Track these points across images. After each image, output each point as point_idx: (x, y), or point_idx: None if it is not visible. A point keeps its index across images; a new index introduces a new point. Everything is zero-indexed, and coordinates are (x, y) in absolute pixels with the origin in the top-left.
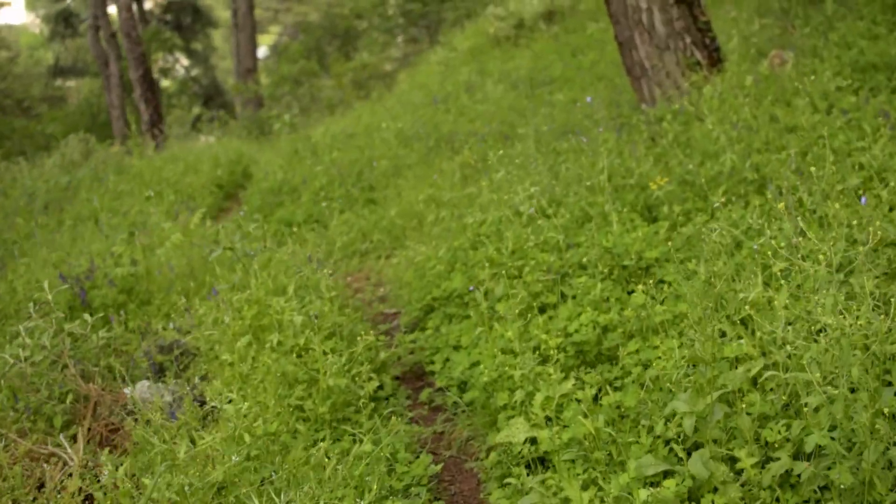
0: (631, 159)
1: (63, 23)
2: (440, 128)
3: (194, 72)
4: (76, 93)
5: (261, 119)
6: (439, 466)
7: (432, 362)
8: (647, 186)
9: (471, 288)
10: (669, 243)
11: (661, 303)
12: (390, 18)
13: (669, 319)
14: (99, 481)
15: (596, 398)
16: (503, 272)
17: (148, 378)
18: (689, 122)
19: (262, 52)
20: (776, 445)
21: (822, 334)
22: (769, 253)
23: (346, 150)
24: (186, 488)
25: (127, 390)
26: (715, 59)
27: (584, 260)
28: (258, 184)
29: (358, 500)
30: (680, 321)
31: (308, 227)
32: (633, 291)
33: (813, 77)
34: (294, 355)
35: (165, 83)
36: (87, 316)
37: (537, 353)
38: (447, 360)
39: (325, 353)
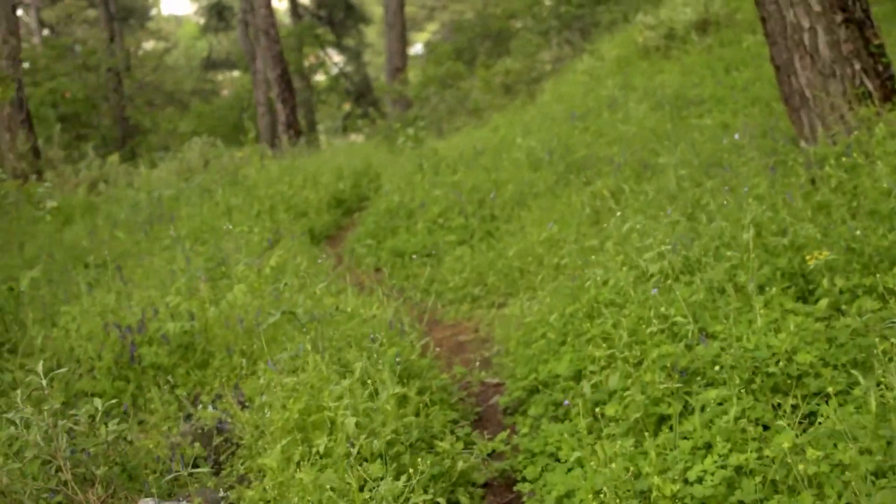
0: (785, 209)
1: (217, 16)
2: (574, 150)
3: (346, 68)
4: (230, 86)
5: (396, 123)
6: None
7: (526, 470)
8: (802, 247)
9: (565, 402)
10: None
11: (814, 443)
12: (544, 20)
13: (826, 471)
14: None
15: None
16: (618, 359)
17: (153, 495)
18: (857, 168)
19: (417, 48)
20: None
21: None
22: None
23: (472, 169)
24: None
25: None
26: (889, 89)
27: (718, 363)
28: (376, 203)
29: None
30: (842, 472)
31: (420, 261)
32: (779, 406)
33: None
34: (344, 466)
35: (316, 79)
36: (96, 400)
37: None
38: (543, 472)
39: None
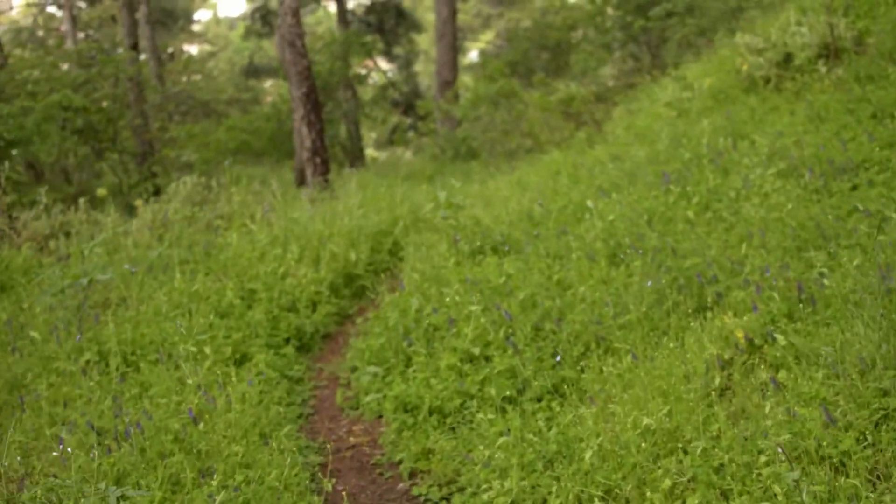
0: None
1: (260, 20)
2: (677, 243)
3: (395, 78)
4: (274, 94)
5: (455, 139)
6: None
7: None
8: None
9: None
10: None
11: None
12: (607, 31)
13: None
14: None
15: None
16: None
17: None
18: None
19: (473, 55)
20: None
21: None
22: None
23: (525, 255)
24: None
25: None
26: None
27: None
28: (387, 311)
29: None
30: None
31: (441, 429)
32: None
33: None
34: None
35: (362, 90)
36: None
37: None
38: None
39: None
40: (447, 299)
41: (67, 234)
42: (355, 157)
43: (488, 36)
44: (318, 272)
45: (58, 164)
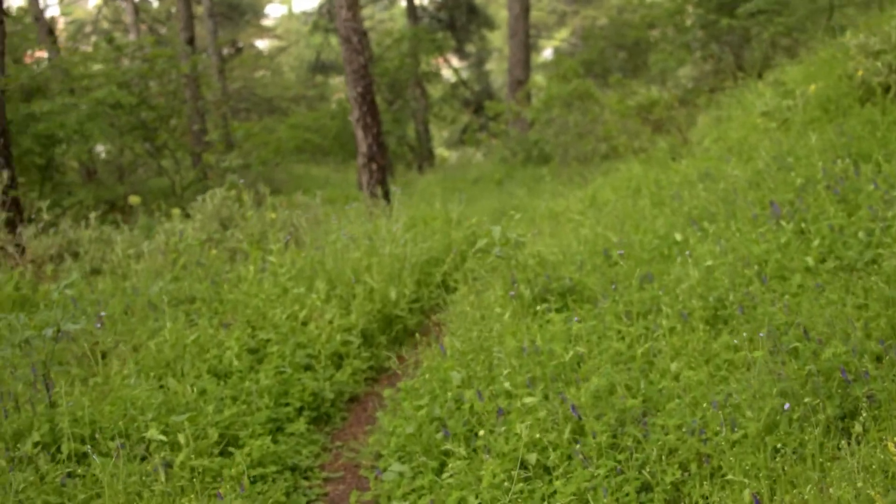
0: None
1: (327, 15)
2: (800, 309)
3: (466, 76)
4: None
5: (527, 142)
6: None
7: None
8: None
9: None
10: None
11: None
12: (687, 30)
13: None
14: None
15: None
16: None
17: None
18: None
19: (548, 53)
20: None
21: None
22: None
23: (601, 310)
24: None
25: None
26: None
27: None
28: (424, 379)
29: None
30: None
31: None
32: None
33: None
34: None
35: (432, 88)
36: None
37: None
38: None
39: None
40: (497, 377)
41: (76, 255)
42: (423, 157)
43: (563, 34)
44: (349, 315)
45: (113, 163)
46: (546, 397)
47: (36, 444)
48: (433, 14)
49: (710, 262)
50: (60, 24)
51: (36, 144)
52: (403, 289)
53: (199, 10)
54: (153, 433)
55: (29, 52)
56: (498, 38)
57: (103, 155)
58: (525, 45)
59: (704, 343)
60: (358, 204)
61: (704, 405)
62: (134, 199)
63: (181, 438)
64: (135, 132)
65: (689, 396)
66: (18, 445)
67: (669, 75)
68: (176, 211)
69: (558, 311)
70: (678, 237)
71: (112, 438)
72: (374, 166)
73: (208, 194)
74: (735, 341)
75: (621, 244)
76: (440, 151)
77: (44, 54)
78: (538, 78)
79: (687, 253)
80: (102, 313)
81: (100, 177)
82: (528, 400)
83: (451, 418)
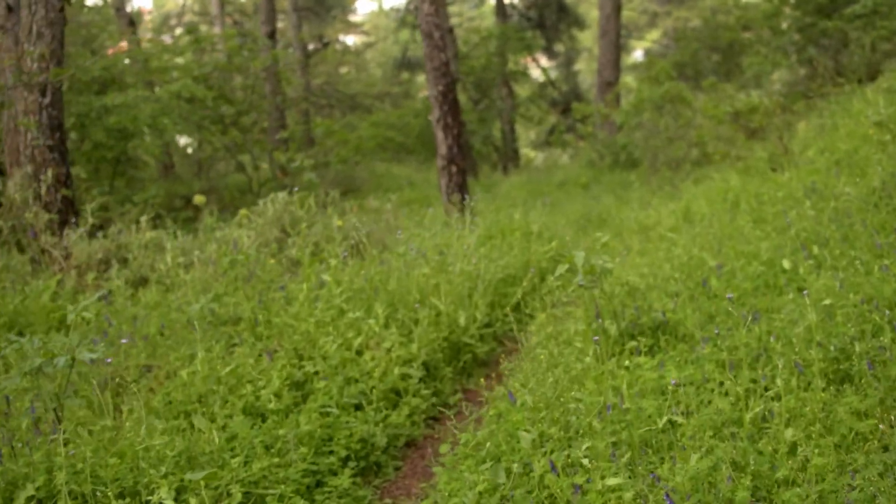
0: None
1: (415, 11)
2: None
3: (554, 76)
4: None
5: (615, 145)
6: None
7: None
8: None
9: None
10: None
11: None
12: (784, 33)
13: None
14: None
15: None
16: None
17: None
18: None
19: (638, 54)
20: None
21: None
22: None
23: (699, 354)
24: None
25: None
26: None
27: None
28: (489, 434)
29: None
30: None
31: None
32: None
33: None
34: None
35: (519, 88)
36: None
37: None
38: None
39: None
40: (574, 439)
41: (125, 261)
42: (508, 157)
43: (654, 35)
44: (410, 344)
45: (191, 158)
46: (633, 473)
47: (30, 499)
48: (522, 12)
49: (828, 301)
50: (147, 16)
51: (108, 138)
52: (474, 312)
53: (285, 3)
54: (163, 495)
55: (110, 43)
56: (588, 38)
57: (189, 150)
58: (615, 45)
59: (824, 404)
60: (434, 210)
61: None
62: (199, 199)
63: (193, 501)
64: (213, 127)
65: (815, 491)
66: (13, 498)
67: (764, 79)
68: (244, 212)
69: (648, 352)
70: (786, 265)
71: (119, 496)
72: (454, 169)
73: (270, 198)
74: (863, 407)
75: (720, 270)
76: (526, 152)
77: (125, 46)
78: (628, 79)
79: (802, 291)
80: (124, 340)
81: (177, 172)
82: (611, 482)
83: (518, 489)
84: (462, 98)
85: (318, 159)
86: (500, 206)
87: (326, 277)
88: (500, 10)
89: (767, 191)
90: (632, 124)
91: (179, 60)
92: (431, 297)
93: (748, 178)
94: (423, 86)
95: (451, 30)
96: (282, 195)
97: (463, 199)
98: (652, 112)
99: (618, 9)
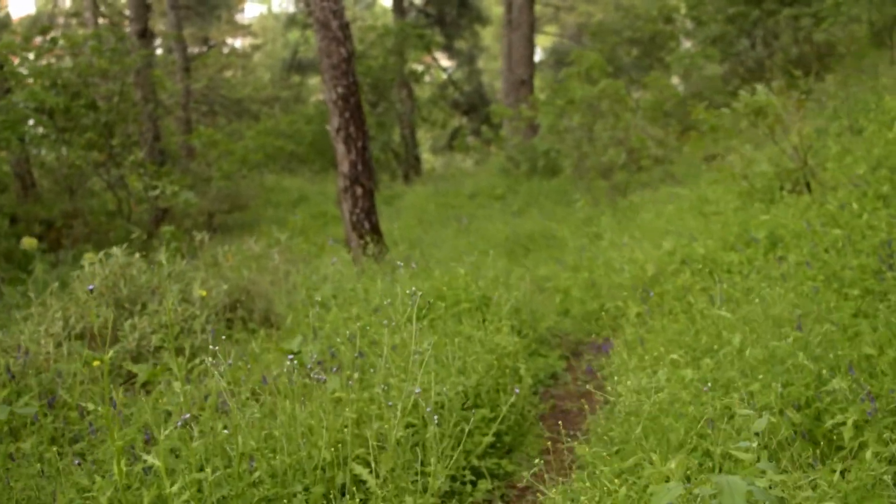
0: None
1: (307, 9)
2: None
3: (456, 75)
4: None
5: (533, 150)
6: None
7: None
8: None
9: None
10: None
11: None
12: (705, 24)
13: None
14: None
15: None
16: None
17: None
18: None
19: (537, 55)
20: None
21: None
22: None
23: None
24: None
25: None
26: None
27: None
28: None
29: None
30: None
31: None
32: None
33: None
34: None
35: (419, 89)
36: None
37: None
38: None
39: None
40: None
41: None
42: (410, 165)
43: (552, 31)
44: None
45: (58, 173)
46: None
47: None
48: (420, 8)
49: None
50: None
51: None
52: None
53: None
54: None
55: None
56: (489, 35)
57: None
58: (529, 39)
59: None
60: (338, 252)
61: None
62: (29, 243)
63: None
64: (76, 139)
65: None
66: None
67: (696, 74)
68: (89, 256)
69: None
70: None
71: None
72: (360, 191)
73: (99, 256)
74: None
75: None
76: (426, 157)
77: None
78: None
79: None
80: None
81: (39, 191)
82: None
83: None
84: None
85: (199, 174)
86: (407, 225)
87: (152, 459)
88: (398, 5)
89: (784, 220)
90: (560, 127)
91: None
92: (352, 458)
93: (747, 201)
94: (316, 89)
95: (348, 24)
96: (118, 251)
97: (374, 232)
98: (585, 113)
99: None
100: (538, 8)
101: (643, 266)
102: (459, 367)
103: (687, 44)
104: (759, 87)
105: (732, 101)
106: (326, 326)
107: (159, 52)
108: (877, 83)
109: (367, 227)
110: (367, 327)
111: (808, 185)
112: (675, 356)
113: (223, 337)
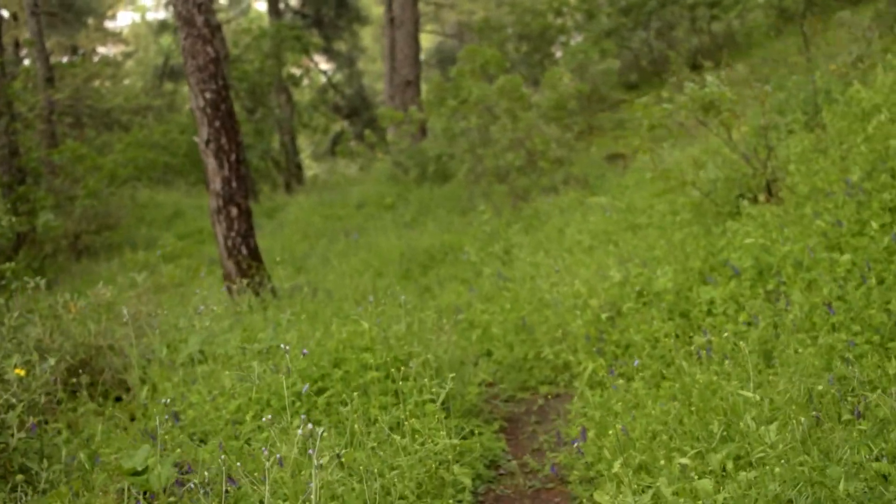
0: None
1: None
2: None
3: (336, 78)
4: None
5: (422, 155)
6: None
7: None
8: None
9: None
10: None
11: None
12: (595, 16)
13: None
14: None
15: None
16: None
17: None
18: None
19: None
20: None
21: None
22: None
23: None
24: None
25: None
26: None
27: None
28: None
29: None
30: None
31: None
32: None
33: None
34: None
35: (298, 93)
36: None
37: None
38: None
39: None
40: None
41: None
42: (291, 174)
43: (433, 29)
44: None
45: None
46: None
47: None
48: (297, 9)
49: None
50: None
51: None
52: None
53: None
54: None
55: None
56: (368, 35)
57: None
58: (414, 37)
59: None
60: (210, 286)
61: None
62: None
63: None
64: None
65: None
66: None
67: (592, 68)
68: None
69: None
70: None
71: None
72: (235, 212)
73: None
74: None
75: None
76: (307, 163)
77: None
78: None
79: None
80: None
81: None
82: None
83: None
84: (235, 108)
85: (64, 192)
86: (291, 241)
87: None
88: (273, 7)
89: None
90: (456, 130)
91: None
92: None
93: (695, 211)
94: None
95: (219, 26)
96: None
97: (253, 258)
98: (481, 114)
99: None
100: (419, 6)
101: (587, 301)
102: (376, 496)
103: (579, 38)
104: (710, 77)
105: (630, 98)
106: (189, 412)
107: (27, 62)
108: (825, 70)
109: (245, 252)
110: (242, 417)
111: (769, 192)
112: (683, 459)
113: (53, 429)
